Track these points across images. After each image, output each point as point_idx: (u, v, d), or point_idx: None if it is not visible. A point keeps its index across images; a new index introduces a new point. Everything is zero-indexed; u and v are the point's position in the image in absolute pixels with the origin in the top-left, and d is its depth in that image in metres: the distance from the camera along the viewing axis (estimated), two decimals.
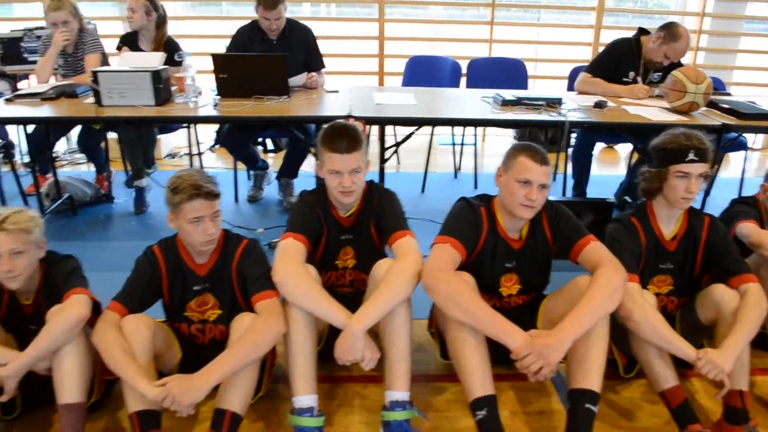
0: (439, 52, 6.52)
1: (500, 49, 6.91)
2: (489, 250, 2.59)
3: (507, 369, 2.53)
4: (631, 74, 4.53)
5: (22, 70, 5.35)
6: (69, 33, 4.40)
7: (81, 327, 2.26)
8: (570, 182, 4.80)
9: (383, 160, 3.86)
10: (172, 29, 4.83)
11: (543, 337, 2.23)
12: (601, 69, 4.57)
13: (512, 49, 7.05)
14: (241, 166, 5.05)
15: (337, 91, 4.46)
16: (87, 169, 5.73)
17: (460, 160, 5.81)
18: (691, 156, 2.52)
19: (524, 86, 5.51)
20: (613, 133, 4.83)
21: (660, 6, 8.34)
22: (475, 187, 5.46)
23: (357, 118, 3.59)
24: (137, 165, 4.62)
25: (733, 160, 6.32)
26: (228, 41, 4.66)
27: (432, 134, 5.46)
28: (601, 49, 4.94)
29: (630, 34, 4.59)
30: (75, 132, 5.31)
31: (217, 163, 6.05)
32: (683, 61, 4.46)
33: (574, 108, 4.02)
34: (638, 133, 4.34)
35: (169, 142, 6.32)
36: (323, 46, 4.79)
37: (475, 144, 5.59)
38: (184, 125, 5.11)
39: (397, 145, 4.12)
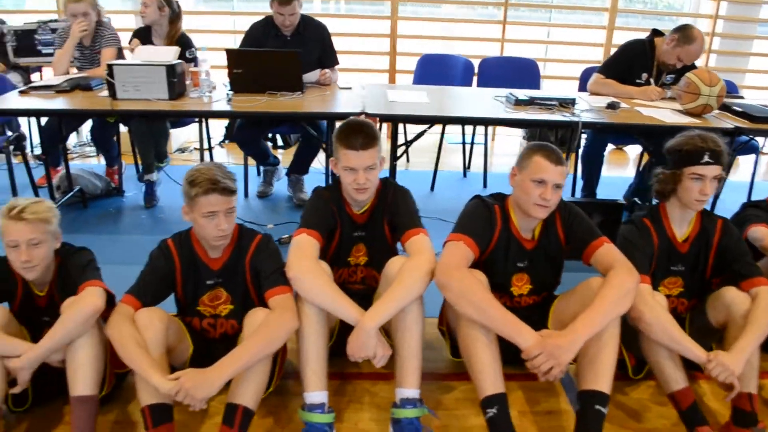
0: (450, 50, 6.51)
1: (512, 49, 6.90)
2: (502, 248, 2.59)
3: (516, 369, 2.52)
4: (644, 76, 4.52)
5: (35, 62, 5.36)
6: (87, 25, 4.42)
7: (95, 319, 2.27)
8: (579, 183, 4.80)
9: (395, 158, 3.86)
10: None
11: (554, 337, 2.24)
12: (614, 70, 4.57)
13: (524, 49, 7.04)
14: (251, 161, 5.06)
15: (350, 88, 4.47)
16: (97, 162, 5.76)
17: (470, 159, 5.81)
18: (706, 158, 2.52)
19: (536, 86, 5.50)
20: (624, 134, 4.81)
21: (668, 7, 8.29)
22: (485, 186, 5.46)
23: (370, 115, 3.59)
24: (148, 159, 4.63)
25: (743, 163, 6.30)
26: (238, 37, 4.66)
27: (443, 133, 5.46)
28: (613, 50, 4.94)
29: (642, 35, 4.59)
30: (85, 125, 5.33)
31: (227, 159, 6.06)
32: (696, 63, 4.45)
33: (587, 108, 4.02)
34: (650, 134, 4.33)
35: (179, 136, 6.34)
36: (334, 43, 4.79)
37: (485, 143, 5.58)
38: (196, 120, 5.11)
39: (410, 142, 4.13)
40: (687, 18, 7.30)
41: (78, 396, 2.22)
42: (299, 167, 4.89)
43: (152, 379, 2.13)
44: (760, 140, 4.96)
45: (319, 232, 2.53)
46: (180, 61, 3.94)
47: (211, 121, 5.47)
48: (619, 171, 6.23)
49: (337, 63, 4.74)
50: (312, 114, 4.08)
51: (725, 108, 4.10)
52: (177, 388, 2.09)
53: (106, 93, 3.85)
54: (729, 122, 3.85)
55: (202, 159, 5.20)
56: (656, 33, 4.50)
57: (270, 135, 6.28)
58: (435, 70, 5.68)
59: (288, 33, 4.50)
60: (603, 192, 4.69)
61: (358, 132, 2.52)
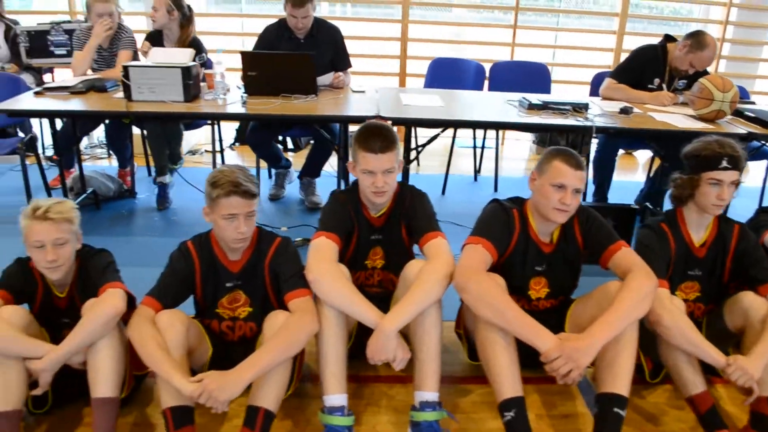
0: (460, 54, 6.52)
1: (522, 53, 6.91)
2: (520, 252, 2.59)
3: (532, 372, 2.52)
4: (656, 81, 4.53)
5: (48, 63, 5.38)
6: (112, 24, 4.45)
7: (117, 321, 2.28)
8: (590, 188, 4.80)
9: (408, 162, 3.87)
10: None
11: (573, 340, 2.24)
12: (626, 75, 4.58)
13: (534, 53, 7.05)
14: (263, 164, 5.07)
15: (363, 91, 4.48)
16: (108, 164, 5.77)
17: (480, 163, 5.82)
18: (724, 163, 2.53)
19: (547, 90, 5.49)
20: (635, 139, 4.83)
21: (674, 13, 8.28)
22: (495, 190, 5.47)
23: (384, 119, 3.60)
24: (162, 161, 4.64)
25: (753, 169, 6.29)
26: (246, 39, 4.67)
27: (454, 136, 5.47)
28: (623, 55, 4.95)
29: (652, 40, 4.60)
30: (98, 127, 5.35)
31: (237, 161, 6.07)
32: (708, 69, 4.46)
33: (600, 113, 4.02)
34: (663, 139, 4.33)
35: (190, 139, 6.34)
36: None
37: (496, 147, 5.59)
38: (209, 122, 5.13)
39: (423, 146, 4.14)
40: (697, 23, 7.31)
41: (100, 398, 2.22)
42: (311, 170, 4.90)
43: (174, 381, 2.13)
44: None
45: (337, 234, 2.54)
46: (195, 63, 3.95)
47: (222, 124, 5.49)
48: (629, 176, 6.22)
49: (350, 66, 4.75)
50: (326, 117, 4.10)
51: (738, 114, 4.11)
52: (200, 390, 2.10)
53: (121, 94, 3.87)
54: (742, 128, 3.86)
55: (214, 161, 5.21)
56: (668, 38, 4.52)
57: (280, 138, 6.29)
58: (446, 73, 5.67)
59: (301, 35, 4.51)
60: (613, 196, 4.69)
61: (378, 135, 2.52)
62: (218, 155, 5.38)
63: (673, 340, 2.41)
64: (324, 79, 4.46)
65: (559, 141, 5.99)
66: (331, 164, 4.92)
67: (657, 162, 4.90)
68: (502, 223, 2.55)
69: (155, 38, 4.67)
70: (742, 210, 3.12)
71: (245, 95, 4.03)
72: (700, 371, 2.45)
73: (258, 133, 4.69)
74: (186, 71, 3.76)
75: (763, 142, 4.27)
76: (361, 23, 7.53)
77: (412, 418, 2.39)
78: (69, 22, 5.34)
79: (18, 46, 5.17)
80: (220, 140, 5.34)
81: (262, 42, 4.59)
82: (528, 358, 2.33)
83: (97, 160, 6.03)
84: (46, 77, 5.65)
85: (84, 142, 6.18)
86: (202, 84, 4.07)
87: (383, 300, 2.63)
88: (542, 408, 2.71)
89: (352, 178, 2.73)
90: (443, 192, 5.35)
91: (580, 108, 3.98)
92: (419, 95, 4.52)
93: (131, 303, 2.38)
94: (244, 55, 4.06)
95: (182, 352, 2.28)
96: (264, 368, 2.20)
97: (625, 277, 2.41)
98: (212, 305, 2.52)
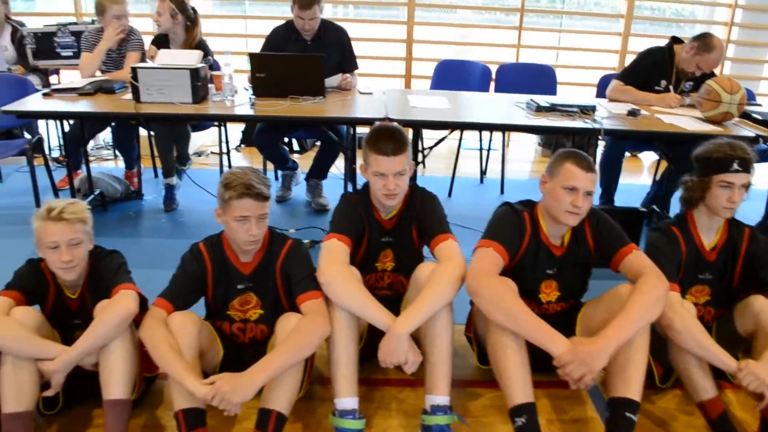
0: (465, 56, 6.52)
1: (527, 54, 6.91)
2: (531, 255, 2.59)
3: (542, 376, 2.51)
4: (663, 83, 4.53)
5: (54, 65, 5.37)
6: (125, 26, 4.46)
7: (129, 322, 2.28)
8: (597, 190, 4.78)
9: (416, 164, 3.87)
10: None
11: (585, 344, 2.23)
12: (633, 77, 4.57)
13: (539, 55, 7.04)
14: (269, 166, 5.06)
15: (371, 93, 4.47)
16: (114, 165, 5.77)
17: (486, 165, 5.82)
18: (735, 166, 2.53)
19: (553, 92, 5.49)
20: (641, 141, 4.82)
21: (677, 14, 8.28)
22: (502, 192, 5.47)
23: (392, 121, 3.59)
24: (169, 163, 4.65)
25: (760, 171, 6.27)
26: (250, 40, 4.66)
27: (461, 138, 5.47)
28: (629, 56, 4.94)
29: (658, 42, 4.59)
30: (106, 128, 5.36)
31: (243, 163, 6.07)
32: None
33: (607, 115, 4.02)
34: (670, 142, 4.33)
35: (196, 141, 6.33)
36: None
37: (502, 149, 5.58)
38: (215, 124, 5.13)
39: (431, 147, 4.13)
40: (702, 25, 7.31)
41: (112, 399, 2.22)
42: (318, 172, 4.90)
43: (187, 383, 2.13)
44: None
45: (349, 236, 2.54)
46: (203, 65, 3.96)
47: (228, 126, 5.48)
48: (634, 178, 6.22)
49: (357, 67, 4.75)
50: (335, 119, 4.10)
51: (745, 116, 4.10)
52: (214, 392, 2.09)
53: (129, 96, 3.87)
54: (750, 130, 3.85)
55: (220, 163, 5.22)
56: (675, 40, 4.51)
57: (287, 140, 6.30)
58: (453, 75, 5.67)
59: (308, 37, 4.51)
60: (619, 199, 4.68)
61: (389, 137, 2.52)
62: (224, 157, 5.38)
63: (684, 344, 2.40)
64: (331, 81, 4.45)
65: (564, 143, 5.99)
66: (338, 166, 4.92)
67: (663, 164, 4.89)
68: (513, 226, 2.54)
69: (161, 42, 4.66)
70: (749, 212, 3.10)
71: (253, 97, 4.03)
72: (710, 376, 2.44)
73: (265, 135, 4.69)
74: (194, 73, 3.77)
75: None
76: (367, 25, 7.53)
77: (423, 422, 2.39)
78: (75, 23, 5.34)
79: (24, 47, 5.16)
80: (227, 142, 5.34)
81: (269, 44, 4.59)
82: (538, 362, 2.33)
83: (103, 161, 6.04)
84: (52, 79, 5.65)
85: (90, 144, 6.19)
86: (209, 86, 4.06)
87: (393, 302, 2.63)
88: (552, 412, 2.70)
89: (359, 179, 2.73)
90: (450, 194, 5.35)
91: (587, 110, 3.97)
92: (427, 97, 4.52)
93: (143, 304, 2.38)
94: (253, 56, 4.07)
95: (194, 354, 2.28)
96: (277, 371, 2.19)
97: (636, 280, 2.40)
98: (223, 307, 2.52)
